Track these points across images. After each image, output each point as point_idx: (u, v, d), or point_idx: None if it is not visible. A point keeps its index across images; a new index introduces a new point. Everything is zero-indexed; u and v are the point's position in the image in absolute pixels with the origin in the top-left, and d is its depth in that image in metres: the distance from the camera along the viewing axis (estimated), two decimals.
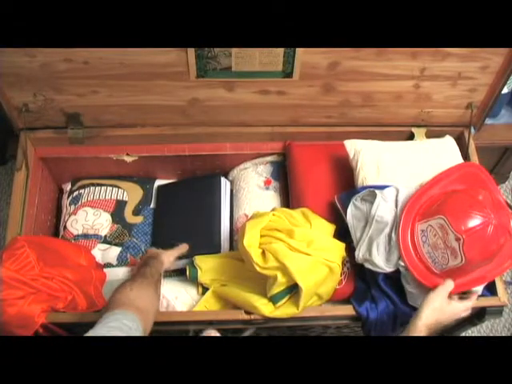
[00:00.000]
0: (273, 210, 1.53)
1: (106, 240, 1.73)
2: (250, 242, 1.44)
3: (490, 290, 1.51)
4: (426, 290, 1.42)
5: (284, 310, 1.43)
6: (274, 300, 1.43)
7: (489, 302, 1.50)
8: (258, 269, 1.42)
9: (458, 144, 1.70)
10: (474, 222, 1.33)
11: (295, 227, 1.47)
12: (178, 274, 1.68)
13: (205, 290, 1.58)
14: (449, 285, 1.35)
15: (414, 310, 1.46)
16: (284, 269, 1.39)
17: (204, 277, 1.56)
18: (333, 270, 1.44)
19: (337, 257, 1.46)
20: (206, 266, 1.58)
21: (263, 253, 1.44)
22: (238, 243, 1.50)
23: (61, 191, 1.90)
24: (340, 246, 1.49)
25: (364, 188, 1.55)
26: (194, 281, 1.58)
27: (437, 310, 1.31)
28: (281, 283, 1.40)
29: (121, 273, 1.66)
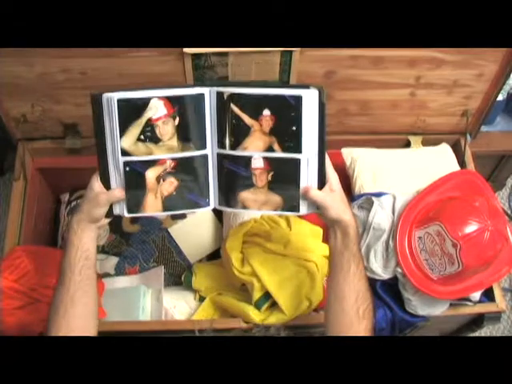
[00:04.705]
0: (261, 217, 1.55)
1: (103, 250, 1.72)
2: (232, 245, 1.49)
3: (488, 296, 1.51)
4: (424, 296, 1.43)
5: (274, 316, 1.43)
6: (257, 306, 1.44)
7: (486, 308, 1.51)
8: (236, 272, 1.46)
9: (455, 151, 1.71)
10: (471, 228, 1.35)
11: (273, 230, 1.50)
12: (177, 283, 1.67)
13: (202, 297, 1.57)
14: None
15: (413, 316, 1.48)
16: (256, 274, 1.42)
17: (198, 283, 1.57)
18: (310, 270, 1.44)
19: (315, 256, 1.46)
20: (202, 272, 1.59)
21: (244, 258, 1.47)
22: (222, 249, 1.55)
23: (58, 201, 1.89)
24: (322, 247, 1.48)
25: (361, 196, 1.56)
26: (188, 285, 1.59)
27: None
28: (257, 288, 1.43)
29: (118, 282, 1.64)
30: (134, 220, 1.77)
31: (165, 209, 1.22)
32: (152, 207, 1.22)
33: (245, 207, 1.22)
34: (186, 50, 1.38)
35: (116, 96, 1.13)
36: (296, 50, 1.42)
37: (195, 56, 1.42)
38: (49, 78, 1.48)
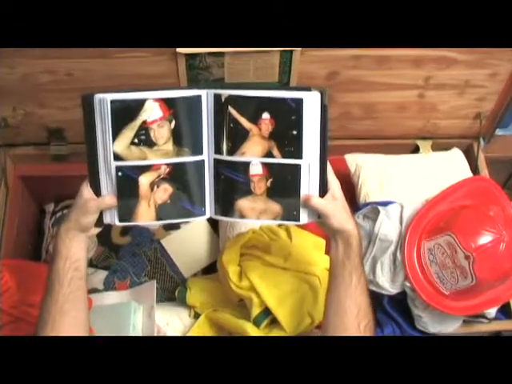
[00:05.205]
0: (259, 227, 1.54)
1: (91, 263, 1.68)
2: (229, 258, 1.46)
3: (505, 313, 1.48)
4: (435, 312, 1.40)
5: (274, 334, 1.39)
6: (256, 323, 1.40)
7: (503, 326, 1.48)
8: (233, 287, 1.42)
9: (467, 157, 1.68)
10: (485, 239, 1.33)
11: (273, 242, 1.48)
12: (170, 298, 1.63)
13: (197, 314, 1.53)
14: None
15: (423, 334, 1.44)
16: (254, 288, 1.40)
17: (193, 299, 1.53)
18: (312, 284, 1.41)
19: (318, 270, 1.43)
20: (197, 287, 1.55)
21: (241, 272, 1.46)
22: (218, 262, 1.53)
23: (42, 212, 1.86)
24: (325, 260, 1.44)
25: (366, 205, 1.55)
26: (182, 301, 1.55)
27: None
28: (256, 304, 1.40)
29: (107, 298, 1.59)
30: (124, 231, 1.74)
31: (158, 218, 1.18)
32: (145, 216, 1.18)
33: (242, 216, 1.18)
34: (179, 50, 1.36)
35: (109, 97, 1.10)
36: (296, 50, 1.39)
37: (189, 56, 1.39)
38: (32, 80, 1.44)
